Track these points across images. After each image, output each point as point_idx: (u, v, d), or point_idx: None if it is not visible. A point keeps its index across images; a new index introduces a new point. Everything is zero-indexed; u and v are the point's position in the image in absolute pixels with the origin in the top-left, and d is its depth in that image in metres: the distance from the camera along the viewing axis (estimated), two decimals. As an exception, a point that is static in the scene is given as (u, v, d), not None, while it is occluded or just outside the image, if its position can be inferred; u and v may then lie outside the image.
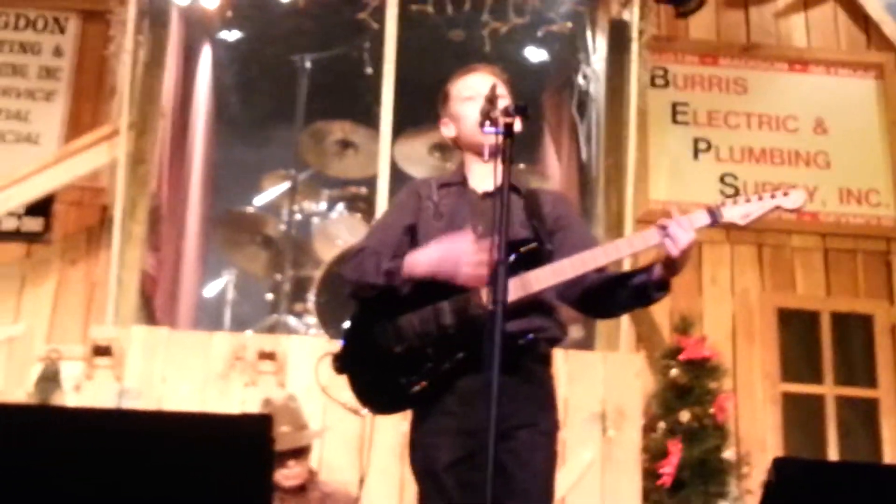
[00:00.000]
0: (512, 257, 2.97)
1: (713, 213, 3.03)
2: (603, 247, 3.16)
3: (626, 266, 4.37)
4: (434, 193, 3.33)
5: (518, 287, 3.00)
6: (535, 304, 3.11)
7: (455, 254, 3.06)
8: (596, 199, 6.12)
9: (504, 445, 2.74)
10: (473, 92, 3.25)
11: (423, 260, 3.12)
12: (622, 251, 3.16)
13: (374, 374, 3.15)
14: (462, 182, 3.34)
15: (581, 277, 3.12)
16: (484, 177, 3.21)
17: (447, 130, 3.40)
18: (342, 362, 3.21)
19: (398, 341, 3.12)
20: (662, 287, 3.09)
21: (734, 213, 3.04)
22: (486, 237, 3.04)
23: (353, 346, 3.21)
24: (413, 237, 3.28)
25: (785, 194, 3.05)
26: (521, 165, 6.32)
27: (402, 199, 3.43)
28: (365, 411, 3.21)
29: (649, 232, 3.07)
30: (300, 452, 4.40)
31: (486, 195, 3.23)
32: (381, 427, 4.30)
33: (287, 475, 4.33)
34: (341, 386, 3.24)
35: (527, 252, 3.08)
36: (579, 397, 5.10)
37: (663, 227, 3.00)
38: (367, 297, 3.21)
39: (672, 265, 3.03)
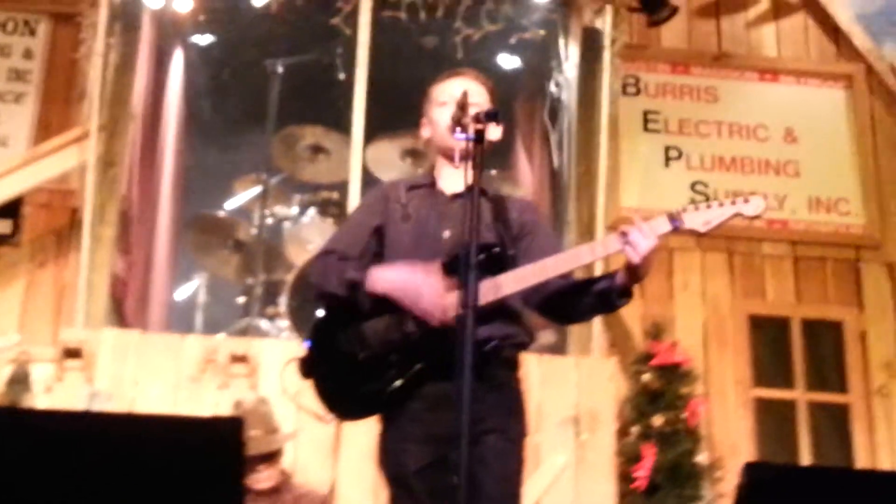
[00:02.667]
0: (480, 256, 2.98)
1: (674, 219, 3.04)
2: (565, 253, 3.18)
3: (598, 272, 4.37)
4: (402, 195, 3.33)
5: (488, 291, 3.01)
6: (499, 311, 3.11)
7: (419, 285, 3.06)
8: (567, 206, 6.13)
9: (472, 451, 2.74)
10: (448, 97, 3.26)
11: (387, 278, 3.11)
12: (583, 258, 3.18)
13: (338, 380, 3.15)
14: (431, 184, 3.35)
15: (544, 283, 3.13)
16: (454, 180, 3.22)
17: (424, 132, 3.42)
18: (307, 367, 3.20)
19: (362, 348, 3.12)
20: (625, 293, 3.10)
21: (695, 219, 3.05)
22: (454, 239, 3.06)
23: (318, 351, 3.21)
24: (380, 239, 3.29)
25: (745, 201, 3.08)
26: (493, 171, 6.33)
27: (369, 201, 3.44)
28: (330, 417, 3.20)
29: (610, 238, 3.10)
30: (271, 457, 4.37)
31: (455, 197, 3.24)
32: (353, 430, 4.30)
33: (259, 479, 4.30)
34: (311, 390, 3.22)
35: (488, 258, 3.06)
36: (552, 401, 5.11)
37: (624, 234, 3.01)
38: (331, 304, 3.21)
39: (634, 272, 3.04)
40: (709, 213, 3.05)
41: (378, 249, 3.28)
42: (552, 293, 3.18)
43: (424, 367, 3.05)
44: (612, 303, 3.13)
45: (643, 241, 2.98)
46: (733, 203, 3.07)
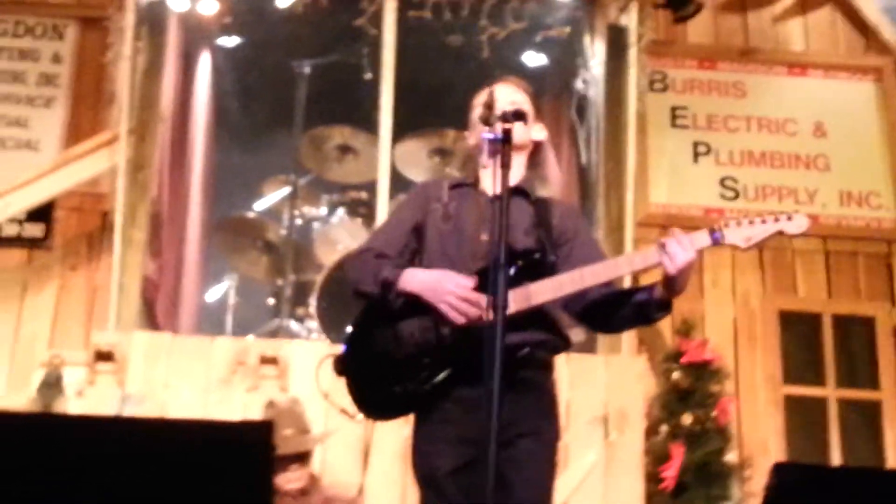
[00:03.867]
0: (512, 269, 2.99)
1: (715, 234, 3.04)
2: (603, 263, 3.17)
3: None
4: (444, 195, 3.34)
5: (518, 300, 3.01)
6: (535, 317, 3.12)
7: (444, 287, 3.07)
8: (596, 203, 6.12)
9: (504, 454, 2.75)
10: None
11: (419, 279, 3.14)
12: (622, 269, 3.19)
13: (372, 379, 3.16)
14: (473, 184, 3.35)
15: (585, 291, 3.13)
16: (495, 182, 3.22)
17: (469, 139, 3.43)
18: (343, 365, 3.22)
19: (397, 348, 3.13)
20: (664, 307, 3.10)
21: (736, 235, 3.04)
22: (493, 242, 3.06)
23: (354, 349, 3.22)
24: (420, 237, 3.30)
25: (789, 219, 3.06)
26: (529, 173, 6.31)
27: (410, 199, 3.46)
28: (360, 416, 3.22)
29: (650, 250, 3.08)
30: (303, 457, 4.38)
31: (497, 198, 3.24)
32: (383, 432, 4.30)
33: (289, 479, 4.31)
34: (342, 391, 3.24)
35: (527, 264, 3.08)
36: (581, 401, 5.10)
37: (663, 246, 3.01)
38: (367, 301, 3.22)
39: (672, 284, 3.04)
40: (751, 229, 3.04)
41: (417, 247, 3.29)
42: (592, 301, 3.19)
43: (458, 370, 3.06)
44: (650, 316, 3.13)
45: (681, 253, 2.98)
46: (776, 220, 3.05)
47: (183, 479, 2.30)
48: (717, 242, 3.04)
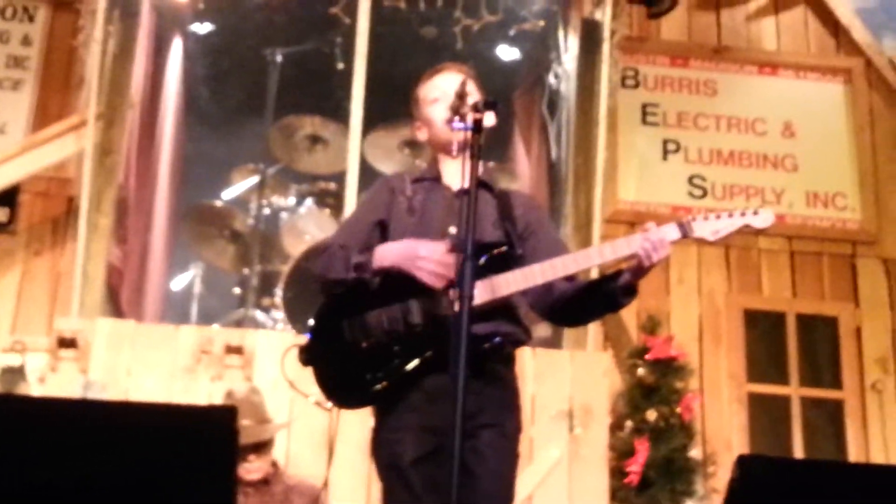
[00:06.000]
0: (482, 259, 3.00)
1: (683, 227, 3.08)
2: (574, 255, 3.17)
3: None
4: (407, 188, 3.32)
5: (487, 290, 3.03)
6: (502, 308, 3.13)
7: (418, 251, 3.08)
8: (565, 198, 6.13)
9: (468, 444, 2.75)
10: (440, 93, 3.26)
11: (390, 250, 3.15)
12: (593, 260, 3.19)
13: (339, 368, 3.14)
14: (436, 178, 3.34)
15: (550, 288, 3.15)
16: (458, 174, 3.19)
17: (421, 134, 3.41)
18: (308, 355, 3.20)
19: (365, 336, 3.12)
20: (630, 292, 3.13)
21: (704, 228, 3.09)
22: (460, 235, 3.04)
23: (320, 339, 3.20)
24: (384, 232, 3.28)
25: (755, 213, 3.11)
26: (491, 163, 6.32)
27: (373, 195, 3.43)
28: (330, 404, 3.20)
29: (620, 242, 3.11)
30: (261, 447, 4.36)
31: (462, 192, 3.22)
32: (348, 421, 4.29)
33: (248, 469, 4.29)
34: (308, 380, 3.22)
35: (497, 255, 3.09)
36: (546, 395, 5.11)
37: (643, 240, 3.03)
38: (336, 292, 3.20)
39: (640, 272, 3.08)
40: (718, 223, 3.09)
41: (381, 242, 3.27)
42: (558, 298, 3.20)
43: (427, 359, 3.05)
44: (617, 302, 3.16)
45: (660, 251, 3.02)
46: (743, 214, 3.11)
47: (146, 463, 2.28)
48: (686, 235, 3.08)
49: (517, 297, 3.18)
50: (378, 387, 3.08)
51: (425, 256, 3.07)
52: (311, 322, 3.25)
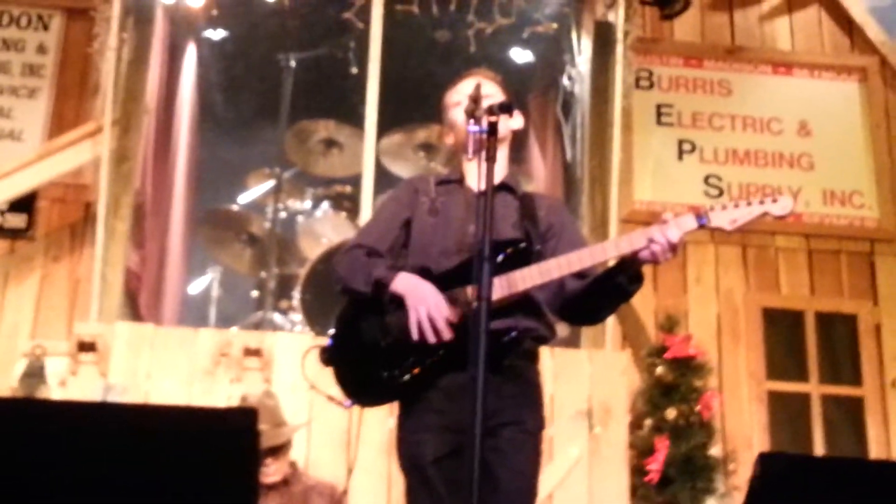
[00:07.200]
0: (500, 256, 3.00)
1: (701, 217, 3.06)
2: (589, 248, 3.17)
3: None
4: (431, 190, 3.35)
5: (503, 286, 3.03)
6: (521, 304, 3.13)
7: (426, 299, 3.07)
8: (581, 200, 6.13)
9: (489, 443, 2.74)
10: (460, 97, 3.27)
11: (410, 283, 3.13)
12: (608, 252, 3.17)
13: (359, 367, 3.17)
14: (459, 180, 3.36)
15: (562, 286, 3.15)
16: (481, 176, 3.21)
17: (448, 139, 3.44)
18: (329, 355, 3.22)
19: (384, 335, 3.13)
20: (637, 279, 3.12)
21: (722, 218, 3.06)
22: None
23: (341, 339, 3.23)
24: (408, 231, 3.31)
25: (774, 201, 3.07)
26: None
27: (398, 195, 3.45)
28: (349, 403, 3.22)
29: (636, 234, 3.08)
30: (278, 450, 4.37)
31: (482, 194, 3.23)
32: (367, 422, 4.30)
33: (266, 473, 4.30)
34: (327, 381, 3.24)
35: (514, 253, 3.09)
36: (566, 395, 5.11)
37: (650, 241, 3.01)
38: (354, 298, 3.23)
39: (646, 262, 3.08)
40: (736, 211, 3.06)
41: (406, 242, 3.30)
42: (569, 296, 3.20)
43: (444, 356, 3.06)
44: (626, 291, 3.14)
45: (666, 254, 3.01)
46: (761, 202, 3.07)
47: (167, 466, 2.28)
48: (703, 225, 3.06)
49: (538, 294, 3.18)
50: (401, 381, 3.09)
51: (428, 305, 3.05)
52: (335, 322, 3.27)
